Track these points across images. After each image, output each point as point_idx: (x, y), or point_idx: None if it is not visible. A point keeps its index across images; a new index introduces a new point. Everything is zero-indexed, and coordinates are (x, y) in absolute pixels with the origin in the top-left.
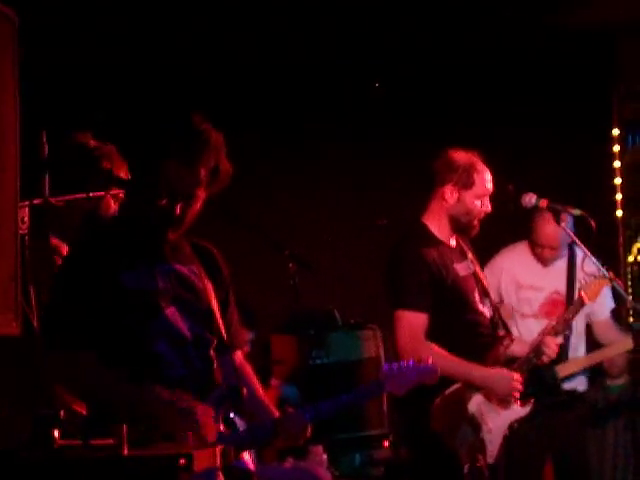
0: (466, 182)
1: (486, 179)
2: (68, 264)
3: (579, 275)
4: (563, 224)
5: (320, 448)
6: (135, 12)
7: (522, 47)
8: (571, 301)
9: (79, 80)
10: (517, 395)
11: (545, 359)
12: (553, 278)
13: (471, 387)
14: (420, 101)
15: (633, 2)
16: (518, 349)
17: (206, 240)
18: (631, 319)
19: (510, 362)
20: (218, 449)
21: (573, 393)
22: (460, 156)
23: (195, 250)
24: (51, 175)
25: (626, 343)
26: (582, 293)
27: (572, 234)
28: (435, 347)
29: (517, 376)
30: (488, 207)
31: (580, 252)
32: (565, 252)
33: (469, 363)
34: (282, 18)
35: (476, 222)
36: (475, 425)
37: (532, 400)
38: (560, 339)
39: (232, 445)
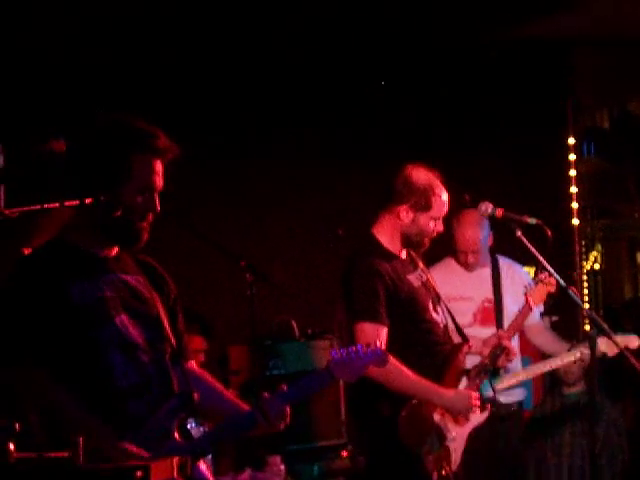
0: (423, 205)
1: (443, 202)
2: (14, 279)
3: (505, 282)
4: (519, 233)
5: (278, 459)
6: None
7: (480, 58)
8: (500, 309)
9: (36, 90)
10: (473, 412)
11: (504, 361)
12: (481, 287)
13: None
14: (376, 114)
15: (589, 15)
16: (477, 349)
17: (157, 250)
18: (587, 327)
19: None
20: (175, 461)
21: (509, 407)
22: (420, 177)
23: (137, 263)
24: (25, 185)
25: (564, 357)
26: (529, 298)
27: (528, 243)
28: (397, 363)
29: (475, 394)
30: (441, 227)
31: (504, 260)
32: (488, 259)
33: (429, 384)
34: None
35: (427, 241)
36: (440, 434)
37: (489, 407)
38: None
39: (192, 452)
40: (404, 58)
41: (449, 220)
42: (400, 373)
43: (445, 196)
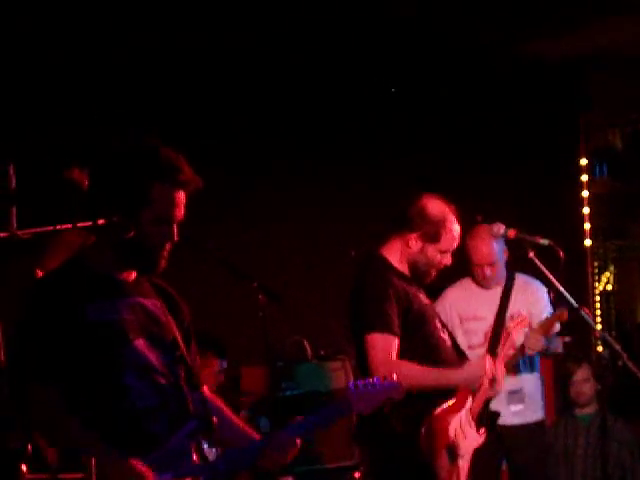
0: (433, 237)
1: (454, 237)
2: (33, 299)
3: (519, 299)
4: (531, 254)
5: None
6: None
7: (491, 78)
8: (500, 325)
9: (47, 112)
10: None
11: (498, 388)
12: (494, 306)
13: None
14: (388, 132)
15: (600, 34)
16: None
17: (168, 270)
18: (600, 348)
19: None
20: None
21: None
22: (434, 209)
23: (153, 287)
24: (37, 209)
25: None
26: (525, 346)
27: (540, 264)
28: (405, 363)
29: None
30: (448, 261)
31: (520, 276)
32: (504, 277)
33: (442, 369)
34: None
35: (433, 272)
36: (453, 451)
37: (483, 428)
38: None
39: (209, 475)
40: (415, 76)
41: (462, 238)
42: (410, 368)
43: (457, 231)
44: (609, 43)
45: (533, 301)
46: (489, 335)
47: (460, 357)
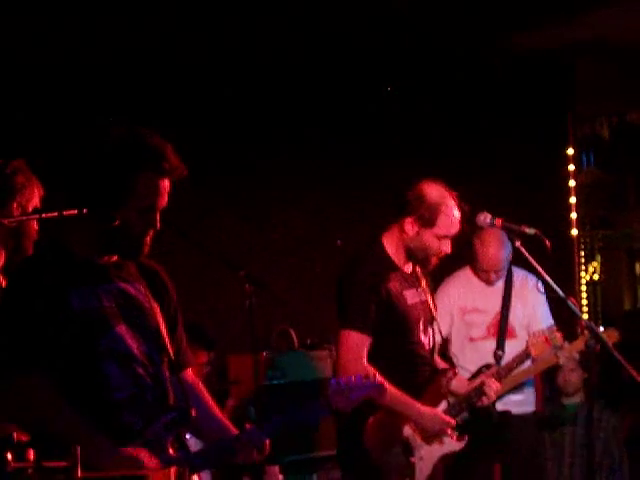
0: (428, 220)
1: (452, 222)
2: (13, 287)
3: (518, 294)
4: (518, 243)
5: (276, 469)
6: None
7: (480, 68)
8: (505, 322)
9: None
10: (448, 434)
11: (485, 400)
12: (496, 300)
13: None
14: (378, 123)
15: (590, 26)
16: (457, 386)
17: (156, 260)
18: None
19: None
20: (173, 470)
21: (505, 414)
22: (432, 192)
23: (140, 269)
24: None
25: (549, 360)
26: (530, 347)
27: (526, 253)
28: (372, 370)
29: (452, 421)
30: (448, 248)
31: (519, 272)
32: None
33: (407, 397)
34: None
35: (433, 259)
36: (408, 448)
37: (466, 437)
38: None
39: (187, 466)
40: (404, 70)
41: (470, 237)
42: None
43: (456, 217)
44: (598, 34)
45: (529, 295)
46: (494, 331)
47: (445, 360)
